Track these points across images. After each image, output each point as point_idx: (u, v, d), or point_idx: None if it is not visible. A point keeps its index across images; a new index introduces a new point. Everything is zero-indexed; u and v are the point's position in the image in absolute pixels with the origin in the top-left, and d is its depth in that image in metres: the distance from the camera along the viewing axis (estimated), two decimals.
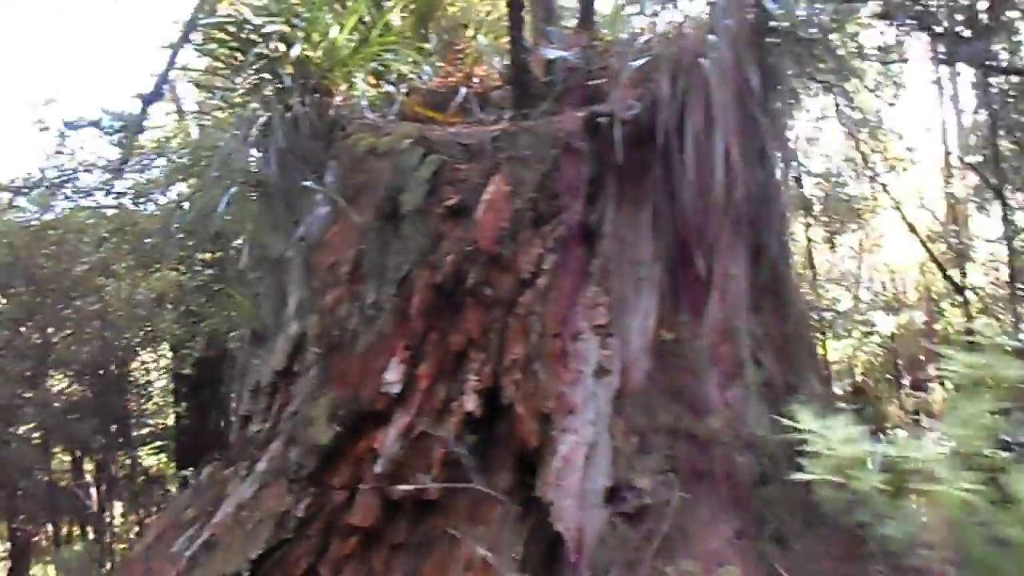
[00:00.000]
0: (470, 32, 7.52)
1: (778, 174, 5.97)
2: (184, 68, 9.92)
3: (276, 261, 5.37)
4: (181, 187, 10.80)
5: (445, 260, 4.62)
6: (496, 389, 4.72)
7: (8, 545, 12.72)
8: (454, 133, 5.20)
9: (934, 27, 6.17)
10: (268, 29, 5.77)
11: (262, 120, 5.91)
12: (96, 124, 8.98)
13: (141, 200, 9.32)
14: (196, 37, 9.11)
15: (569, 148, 4.99)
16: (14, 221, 8.40)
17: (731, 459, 5.03)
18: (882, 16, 6.31)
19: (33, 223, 8.46)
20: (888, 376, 16.08)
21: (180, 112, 12.54)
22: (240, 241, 5.80)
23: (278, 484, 4.55)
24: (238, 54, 6.19)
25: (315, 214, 5.21)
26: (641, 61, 5.12)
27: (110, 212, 9.27)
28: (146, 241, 9.01)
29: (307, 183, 5.42)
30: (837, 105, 11.46)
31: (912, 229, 11.59)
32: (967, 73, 11.26)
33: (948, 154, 17.51)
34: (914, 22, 6.14)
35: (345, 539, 4.60)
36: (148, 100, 10.10)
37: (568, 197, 4.90)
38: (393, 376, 4.52)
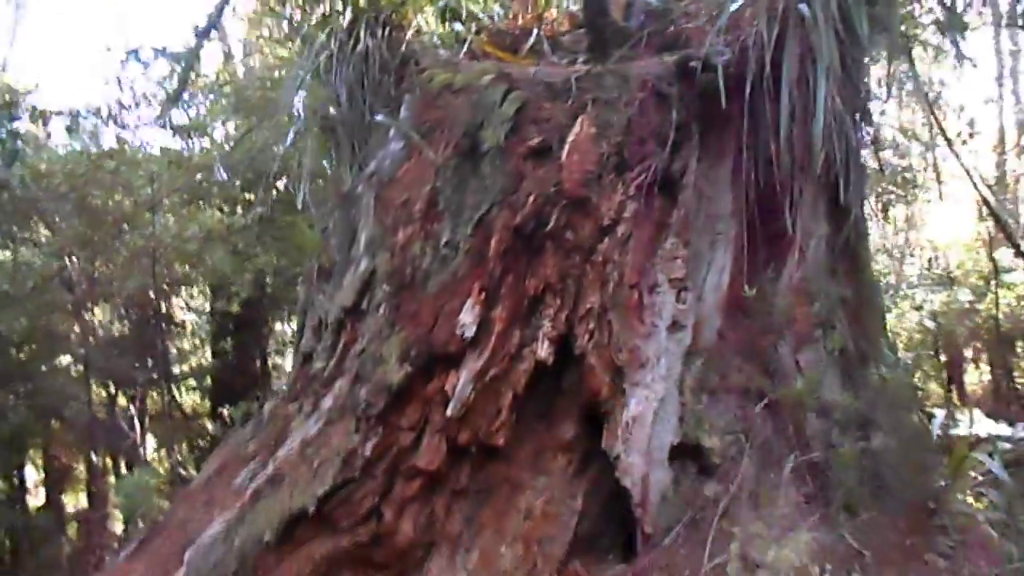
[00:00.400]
0: None
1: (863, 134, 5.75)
2: None
3: (345, 196, 5.23)
4: (234, 123, 10.72)
5: (526, 201, 4.46)
6: (569, 337, 4.59)
7: (43, 474, 12.92)
8: (535, 72, 5.00)
9: None
10: None
11: (330, 53, 5.75)
12: (159, 52, 8.81)
13: (195, 135, 9.20)
14: None
15: (657, 92, 4.78)
16: (70, 150, 8.32)
17: (803, 423, 4.90)
18: None
19: (89, 153, 8.36)
20: (930, 352, 15.83)
21: (228, 53, 12.40)
22: (303, 178, 5.62)
23: (345, 422, 4.46)
24: None
25: (388, 149, 5.06)
26: (735, 5, 4.86)
27: (164, 147, 9.16)
28: (198, 178, 8.90)
29: (379, 118, 5.26)
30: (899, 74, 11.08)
31: (985, 203, 11.18)
32: None
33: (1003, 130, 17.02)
34: None
35: (409, 481, 4.53)
36: (202, 34, 9.90)
37: (653, 143, 4.71)
38: (468, 318, 4.39)
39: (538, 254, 4.50)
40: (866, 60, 5.45)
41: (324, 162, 5.90)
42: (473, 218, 4.50)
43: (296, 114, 6.01)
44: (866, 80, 5.43)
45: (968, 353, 16.65)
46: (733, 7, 4.91)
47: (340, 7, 5.89)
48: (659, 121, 4.75)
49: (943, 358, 15.93)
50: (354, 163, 5.35)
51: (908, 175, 13.72)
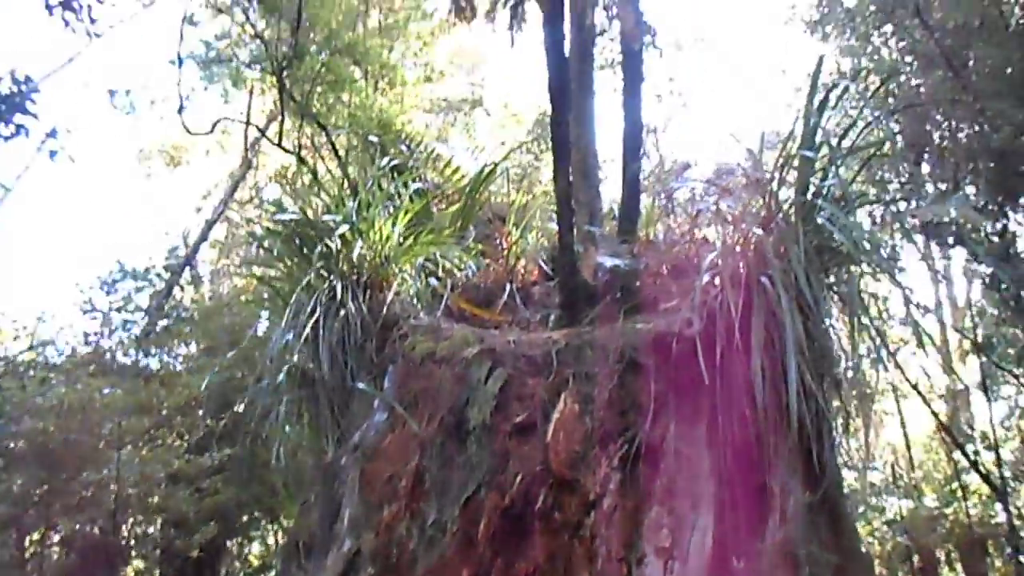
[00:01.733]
0: (510, 224, 7.68)
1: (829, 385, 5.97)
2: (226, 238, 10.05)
3: (327, 468, 5.20)
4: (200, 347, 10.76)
5: (514, 481, 4.48)
6: None
7: None
8: (515, 342, 5.18)
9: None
10: (336, 229, 5.87)
11: (312, 314, 5.91)
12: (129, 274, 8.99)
13: (167, 374, 9.20)
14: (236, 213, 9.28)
15: (634, 363, 4.96)
16: (41, 402, 8.23)
17: None
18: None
19: (58, 401, 8.28)
20: (903, 564, 15.64)
21: (197, 282, 12.70)
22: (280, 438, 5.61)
23: None
24: (297, 249, 6.28)
25: (372, 421, 5.10)
26: (705, 279, 5.17)
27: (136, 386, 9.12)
28: (165, 414, 8.81)
29: (361, 386, 5.34)
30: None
31: (936, 417, 11.51)
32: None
33: (946, 337, 17.76)
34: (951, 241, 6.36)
35: None
36: (178, 270, 10.18)
37: (633, 414, 4.83)
38: None
39: (527, 536, 4.46)
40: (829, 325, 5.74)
41: (302, 425, 5.90)
42: (460, 498, 4.49)
43: (275, 372, 6.08)
44: (831, 343, 5.70)
45: (941, 555, 16.46)
46: (703, 280, 5.21)
47: (325, 272, 6.13)
48: (637, 391, 4.90)
49: (917, 565, 15.70)
50: (335, 430, 5.36)
51: (865, 388, 14.08)
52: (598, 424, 4.72)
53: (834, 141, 6.06)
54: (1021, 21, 7.41)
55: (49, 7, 7.16)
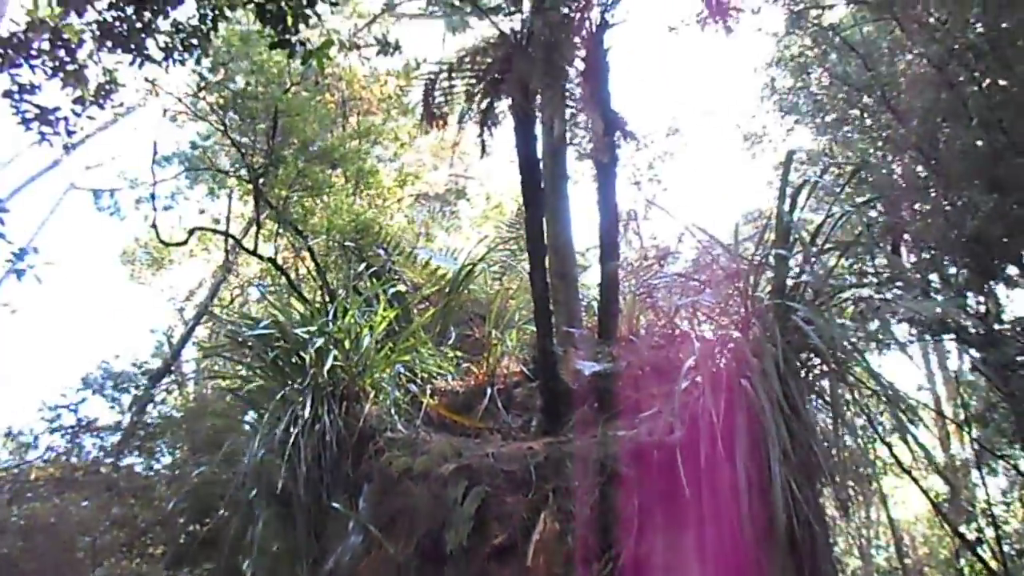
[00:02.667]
0: (490, 325, 7.62)
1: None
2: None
3: None
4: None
5: None
6: None
7: None
8: (493, 455, 5.05)
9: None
10: (310, 341, 5.79)
11: (289, 430, 5.77)
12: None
13: (145, 484, 8.98)
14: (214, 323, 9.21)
15: (616, 475, 4.83)
16: (14, 520, 7.98)
17: None
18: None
19: (29, 518, 8.03)
20: None
21: (180, 383, 12.53)
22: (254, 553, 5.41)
23: None
24: (271, 363, 6.19)
25: (347, 543, 4.93)
26: (684, 383, 5.09)
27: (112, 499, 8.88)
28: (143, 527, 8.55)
29: (337, 506, 5.17)
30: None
31: (929, 499, 11.30)
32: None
33: (942, 414, 17.61)
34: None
35: None
36: (155, 379, 10.05)
37: (617, 530, 4.67)
38: None
39: None
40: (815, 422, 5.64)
41: (278, 545, 5.70)
42: None
43: (250, 488, 5.91)
44: (817, 442, 5.59)
45: None
46: (683, 384, 5.12)
47: (299, 385, 6.02)
48: (620, 505, 4.75)
49: None
50: (311, 553, 5.17)
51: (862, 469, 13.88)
52: (580, 543, 4.56)
53: (810, 232, 6.10)
54: (984, 107, 7.54)
55: (26, 121, 7.16)
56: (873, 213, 8.47)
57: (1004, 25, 7.34)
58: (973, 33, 7.61)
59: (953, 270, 8.25)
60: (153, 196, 10.05)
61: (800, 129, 12.26)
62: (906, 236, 8.03)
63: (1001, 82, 7.71)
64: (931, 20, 8.37)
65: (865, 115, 10.29)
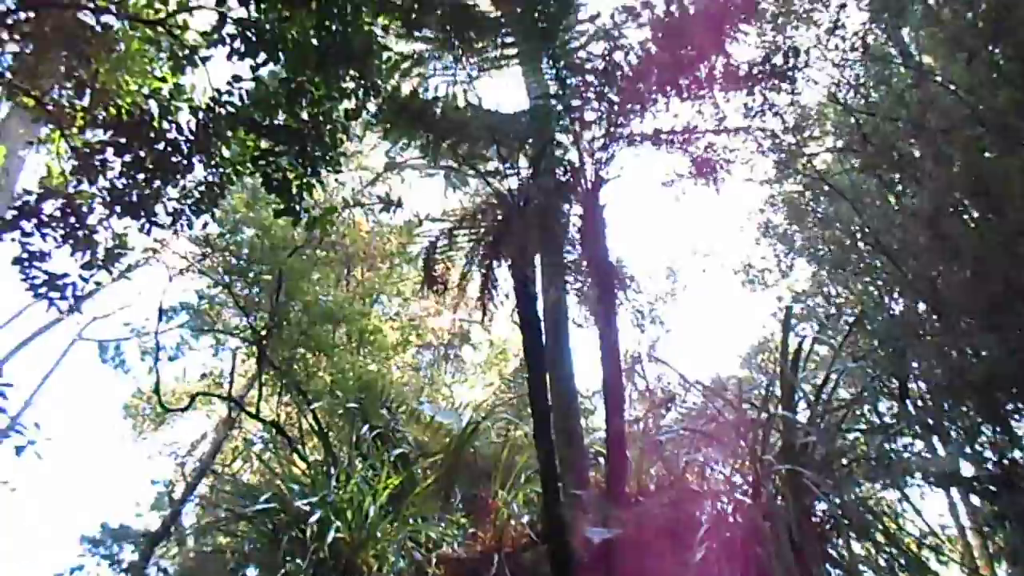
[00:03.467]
0: (496, 484, 7.46)
1: None
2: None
3: None
4: None
5: None
6: None
7: None
8: None
9: None
10: (311, 513, 5.67)
11: None
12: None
13: None
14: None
15: None
16: None
17: None
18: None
19: None
20: None
21: (181, 540, 12.19)
22: None
23: None
24: (271, 535, 6.03)
25: None
26: (699, 555, 4.94)
27: None
28: None
29: None
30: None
31: None
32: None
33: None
34: None
35: None
36: (155, 540, 9.79)
37: None
38: None
39: None
40: None
41: None
42: None
43: None
44: None
45: None
46: (697, 556, 4.97)
47: (301, 558, 5.84)
48: None
49: None
50: None
51: None
52: None
53: (815, 387, 6.07)
54: (979, 250, 7.62)
55: (34, 288, 7.24)
56: (876, 359, 8.42)
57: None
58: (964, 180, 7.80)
59: (963, 409, 8.13)
60: (156, 364, 10.08)
61: (799, 263, 12.43)
62: (911, 382, 7.95)
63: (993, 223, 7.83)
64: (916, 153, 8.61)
65: (862, 257, 10.43)
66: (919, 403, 7.70)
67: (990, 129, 7.71)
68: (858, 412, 6.63)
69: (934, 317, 8.55)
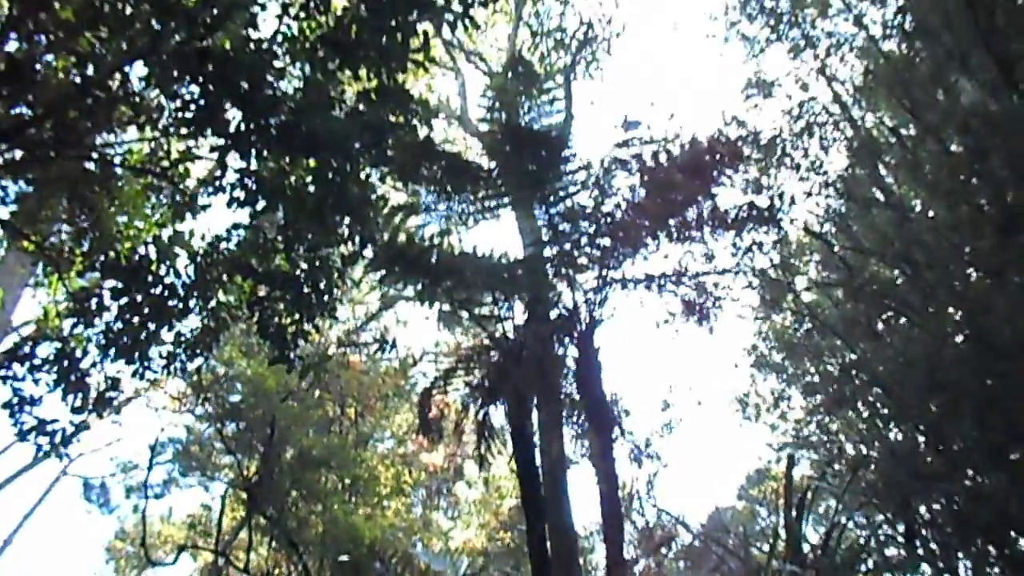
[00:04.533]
0: None
1: None
2: None
3: None
4: None
5: None
6: None
7: None
8: None
9: None
10: None
11: None
12: None
13: None
14: None
15: None
16: None
17: None
18: None
19: None
20: None
21: None
22: None
23: None
24: None
25: None
26: None
27: None
28: None
29: None
30: None
31: None
32: None
33: None
34: None
35: None
36: None
37: None
38: None
39: None
40: None
41: None
42: None
43: None
44: None
45: None
46: None
47: None
48: None
49: None
50: None
51: None
52: None
53: (821, 536, 5.90)
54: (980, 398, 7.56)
55: (23, 433, 7.09)
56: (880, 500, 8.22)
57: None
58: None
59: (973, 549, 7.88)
60: (144, 518, 9.74)
61: (795, 394, 12.33)
62: (918, 523, 7.74)
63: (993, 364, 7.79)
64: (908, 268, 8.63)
65: (856, 391, 10.35)
66: (928, 545, 7.46)
67: (977, 268, 7.81)
68: (864, 556, 6.41)
69: (938, 449, 8.40)
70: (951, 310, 7.87)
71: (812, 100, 10.25)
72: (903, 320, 9.11)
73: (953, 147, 8.25)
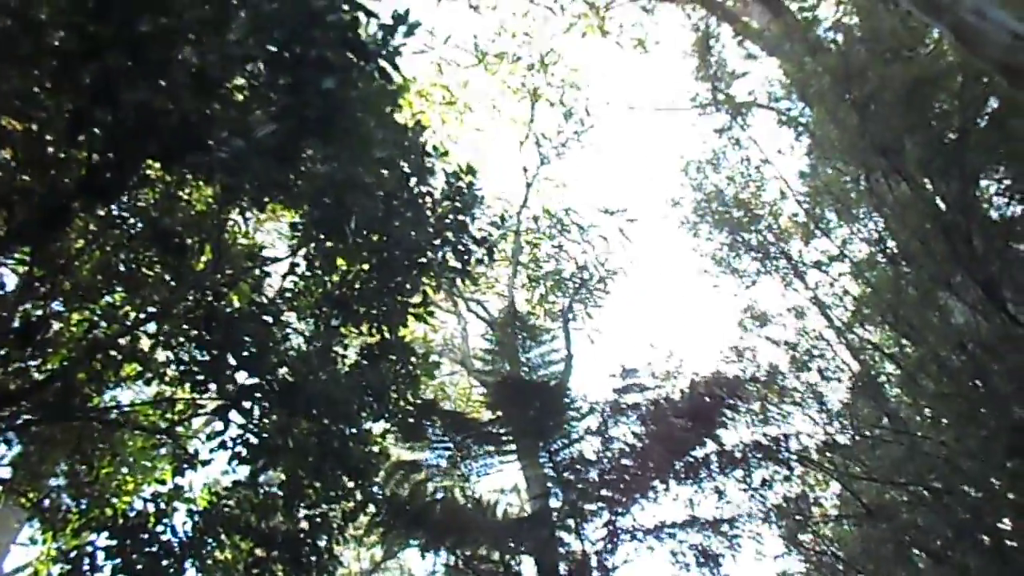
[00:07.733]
0: None
1: None
2: None
3: None
4: None
5: None
6: None
7: None
8: None
9: None
10: None
11: None
12: None
13: None
14: None
15: None
16: None
17: None
18: None
19: None
20: None
21: None
22: None
23: None
24: None
25: None
26: None
27: None
28: None
29: None
30: None
31: None
32: None
33: None
34: None
35: None
36: None
37: None
38: None
39: None
40: None
41: None
42: None
43: None
44: None
45: None
46: None
47: None
48: None
49: None
50: None
51: None
52: None
53: None
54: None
55: None
56: None
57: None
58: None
59: None
60: None
61: None
62: None
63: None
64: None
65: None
66: None
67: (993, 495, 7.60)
68: None
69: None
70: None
71: (807, 333, 10.41)
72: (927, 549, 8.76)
73: (952, 365, 8.28)
